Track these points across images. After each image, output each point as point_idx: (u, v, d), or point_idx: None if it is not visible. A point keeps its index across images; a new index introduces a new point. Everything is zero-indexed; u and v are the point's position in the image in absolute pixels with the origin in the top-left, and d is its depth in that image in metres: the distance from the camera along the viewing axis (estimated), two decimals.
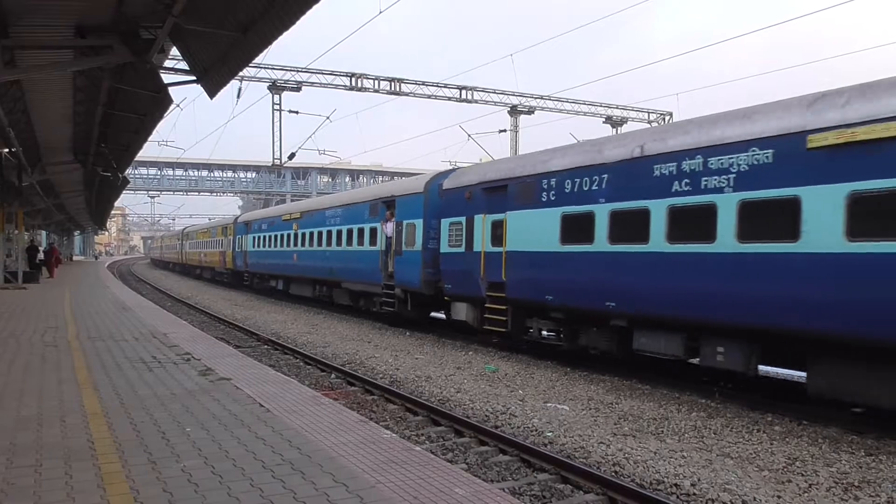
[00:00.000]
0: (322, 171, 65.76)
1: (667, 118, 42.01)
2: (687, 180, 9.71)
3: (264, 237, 30.75)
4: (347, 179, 69.94)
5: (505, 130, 40.00)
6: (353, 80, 34.32)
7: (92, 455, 4.97)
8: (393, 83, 35.18)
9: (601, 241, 11.19)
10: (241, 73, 23.40)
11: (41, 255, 35.19)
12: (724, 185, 9.19)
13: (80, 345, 10.51)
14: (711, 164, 9.39)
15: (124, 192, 37.76)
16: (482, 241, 14.21)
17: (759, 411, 9.22)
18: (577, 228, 11.70)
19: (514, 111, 39.96)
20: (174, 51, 10.36)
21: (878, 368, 7.70)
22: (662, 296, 10.11)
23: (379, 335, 17.30)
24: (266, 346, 15.53)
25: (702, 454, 7.38)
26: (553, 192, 12.31)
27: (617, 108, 42.61)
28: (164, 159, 55.88)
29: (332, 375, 12.04)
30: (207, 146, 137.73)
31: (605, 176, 11.24)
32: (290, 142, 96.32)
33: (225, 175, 65.50)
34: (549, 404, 9.63)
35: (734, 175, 9.07)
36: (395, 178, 57.05)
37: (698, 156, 9.58)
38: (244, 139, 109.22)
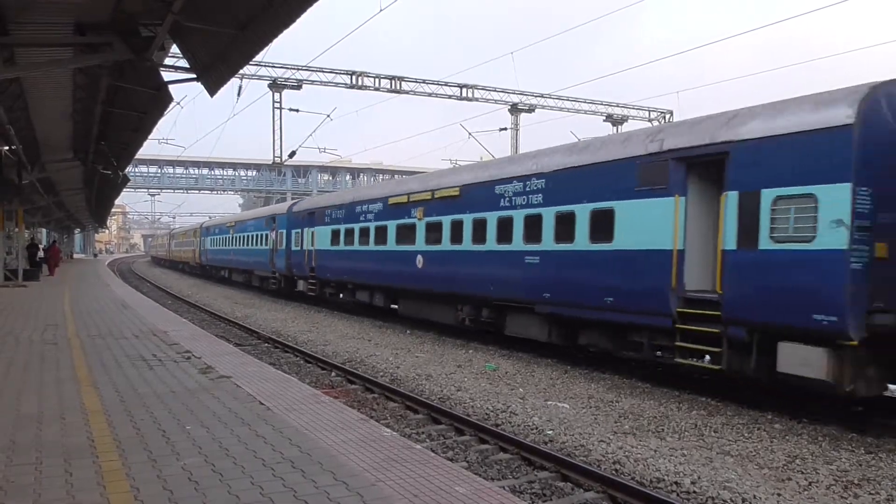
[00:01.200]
0: (322, 169, 65.62)
1: (667, 116, 41.92)
2: (364, 214, 19.74)
3: (217, 238, 41.04)
4: (348, 178, 69.62)
5: (505, 129, 39.98)
6: (354, 78, 34.21)
7: (92, 453, 4.97)
8: (393, 81, 35.08)
9: (342, 244, 21.26)
10: (241, 71, 23.51)
11: (41, 253, 35.17)
12: (371, 218, 19.27)
13: (80, 343, 10.51)
14: (370, 208, 19.44)
15: (125, 189, 37.73)
16: (308, 243, 24.32)
17: (759, 409, 9.23)
18: (336, 236, 21.78)
19: (514, 109, 39.85)
20: (174, 48, 10.33)
21: (431, 304, 16.71)
22: (357, 272, 20.27)
23: (379, 333, 17.31)
24: (266, 345, 15.54)
25: (702, 452, 7.38)
26: (329, 217, 22.58)
27: (617, 106, 42.43)
28: (165, 157, 55.88)
29: (333, 374, 12.04)
30: (208, 144, 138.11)
31: (343, 210, 21.46)
32: (291, 140, 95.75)
33: (225, 173, 65.38)
34: (549, 402, 9.63)
35: (374, 213, 19.14)
36: (395, 176, 57.07)
37: (367, 203, 19.69)
38: (245, 137, 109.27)
